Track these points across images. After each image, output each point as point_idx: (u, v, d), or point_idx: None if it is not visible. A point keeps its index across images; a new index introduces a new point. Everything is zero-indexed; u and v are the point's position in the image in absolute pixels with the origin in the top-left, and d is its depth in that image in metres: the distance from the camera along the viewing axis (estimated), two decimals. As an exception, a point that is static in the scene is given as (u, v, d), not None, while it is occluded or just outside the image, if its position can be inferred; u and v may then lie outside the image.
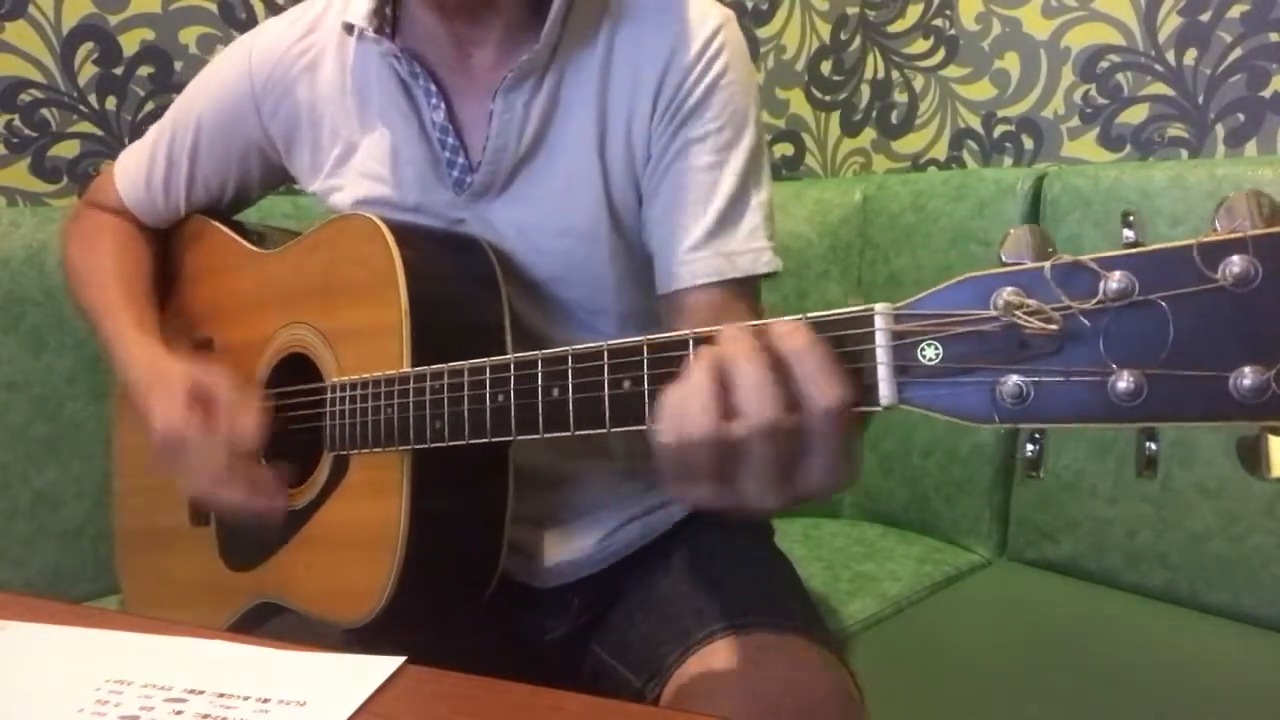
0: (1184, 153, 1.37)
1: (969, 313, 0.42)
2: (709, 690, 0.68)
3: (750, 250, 0.78)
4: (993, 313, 0.42)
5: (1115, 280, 0.39)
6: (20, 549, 1.19)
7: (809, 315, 0.47)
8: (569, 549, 0.85)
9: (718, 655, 0.70)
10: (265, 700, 0.50)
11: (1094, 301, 0.39)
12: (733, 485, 0.48)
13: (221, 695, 0.51)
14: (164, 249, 1.00)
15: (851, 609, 1.18)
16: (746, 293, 0.79)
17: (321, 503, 0.77)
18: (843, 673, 0.73)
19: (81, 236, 0.98)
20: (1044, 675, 1.00)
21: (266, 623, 0.82)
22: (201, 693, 0.51)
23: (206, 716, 0.49)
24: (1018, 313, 0.41)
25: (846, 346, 0.46)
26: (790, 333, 0.46)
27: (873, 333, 0.45)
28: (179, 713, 0.49)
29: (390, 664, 0.53)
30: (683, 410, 0.47)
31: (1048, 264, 0.40)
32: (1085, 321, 0.40)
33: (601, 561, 0.86)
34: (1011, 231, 0.42)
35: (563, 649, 0.86)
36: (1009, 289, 0.41)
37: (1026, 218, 1.30)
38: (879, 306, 0.45)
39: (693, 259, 0.77)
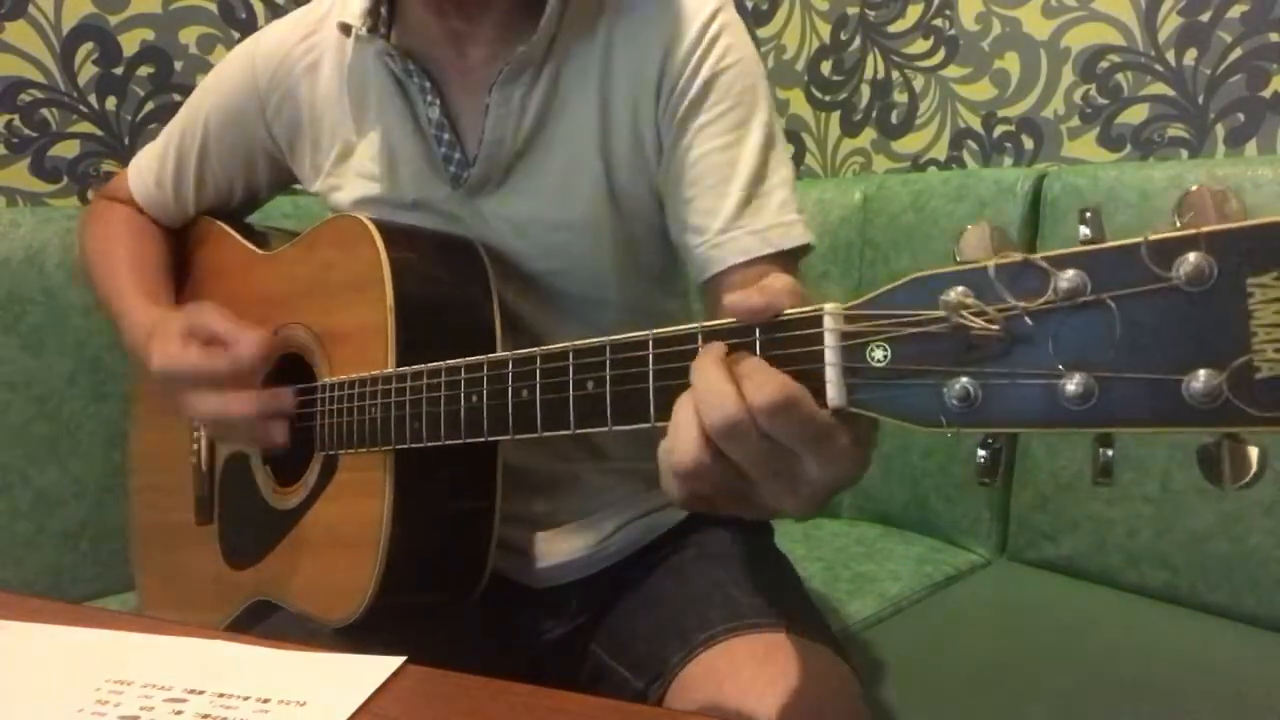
0: (1184, 153, 1.37)
1: (916, 313, 0.41)
2: (713, 691, 0.68)
3: (781, 224, 0.77)
4: (940, 313, 0.40)
5: (1066, 279, 0.37)
6: (20, 549, 1.19)
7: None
8: (567, 550, 0.85)
9: (721, 656, 0.70)
10: (265, 700, 0.50)
11: (1041, 301, 0.38)
12: (741, 498, 0.48)
13: (221, 695, 0.51)
14: (173, 250, 1.00)
15: (851, 609, 1.18)
16: (784, 268, 0.77)
17: (312, 502, 0.78)
18: (847, 671, 0.73)
19: (97, 224, 1.00)
20: (1044, 675, 1.00)
21: (264, 620, 0.82)
22: (201, 693, 0.51)
23: (206, 716, 0.49)
24: (962, 314, 0.39)
25: (797, 348, 0.45)
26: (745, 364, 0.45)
27: (822, 333, 0.44)
28: (179, 713, 0.49)
29: (390, 664, 0.53)
30: (670, 456, 0.47)
31: (992, 262, 0.39)
32: (1031, 322, 0.38)
33: (600, 562, 0.86)
34: (968, 229, 0.40)
35: (561, 650, 0.85)
36: (957, 289, 0.40)
37: (1026, 218, 1.30)
38: (828, 307, 0.45)
39: (724, 240, 0.76)
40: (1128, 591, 1.20)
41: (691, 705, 0.68)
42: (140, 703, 0.50)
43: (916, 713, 0.95)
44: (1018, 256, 0.39)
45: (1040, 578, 1.28)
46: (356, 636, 0.73)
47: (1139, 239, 0.36)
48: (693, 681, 0.70)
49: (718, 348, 0.47)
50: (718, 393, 0.44)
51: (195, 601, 0.93)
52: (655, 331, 0.51)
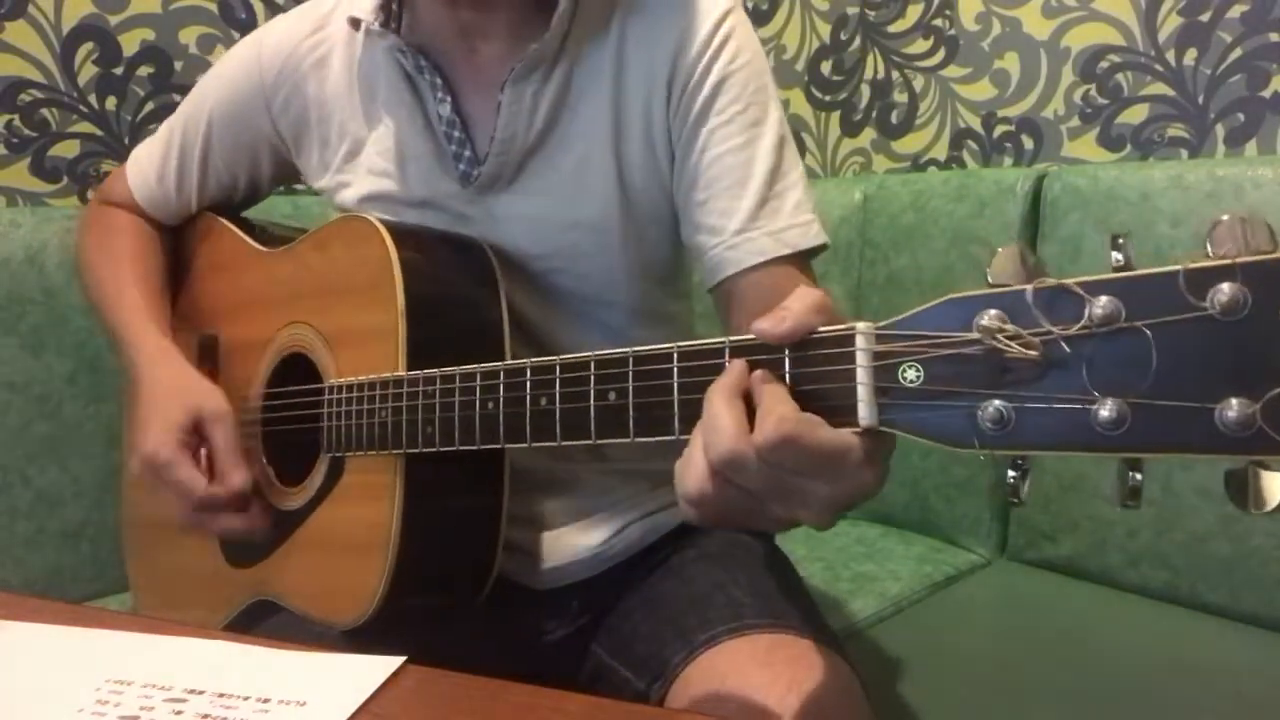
0: (1184, 153, 1.37)
1: (950, 335, 0.41)
2: (715, 691, 0.68)
3: (797, 225, 0.77)
4: (974, 335, 0.41)
5: (1100, 306, 0.37)
6: (20, 549, 1.19)
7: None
8: (569, 550, 0.85)
9: (723, 657, 0.70)
10: (265, 700, 0.50)
11: (1078, 327, 0.38)
12: (756, 517, 0.48)
13: (221, 695, 0.51)
14: (174, 246, 1.00)
15: (851, 609, 1.18)
16: (800, 268, 0.77)
17: (318, 504, 0.78)
18: (848, 671, 0.72)
19: (96, 233, 0.99)
20: (1044, 675, 1.00)
21: (265, 620, 0.82)
22: (201, 693, 0.51)
23: (206, 716, 0.49)
24: (999, 337, 0.40)
25: (827, 365, 0.46)
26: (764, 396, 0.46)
27: (853, 352, 0.45)
28: (179, 713, 0.49)
29: (390, 664, 0.53)
30: (679, 481, 0.48)
31: (1030, 287, 0.39)
32: (1067, 348, 0.38)
33: (602, 563, 0.86)
34: (1000, 251, 0.41)
35: (562, 650, 0.85)
36: (991, 311, 0.40)
37: (1026, 218, 1.30)
38: (860, 326, 0.45)
39: (740, 241, 0.76)
40: (1128, 591, 1.20)
41: (693, 705, 0.68)
42: (140, 703, 0.50)
43: (917, 713, 0.95)
44: (1053, 281, 0.39)
45: (1040, 578, 1.28)
46: (358, 637, 0.73)
47: (1176, 267, 0.36)
48: (694, 682, 0.70)
49: (733, 375, 0.47)
50: (720, 428, 0.45)
51: (192, 600, 0.93)
52: (680, 344, 0.51)
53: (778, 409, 0.44)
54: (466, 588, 0.76)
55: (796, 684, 0.67)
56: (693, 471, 0.47)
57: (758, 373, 0.47)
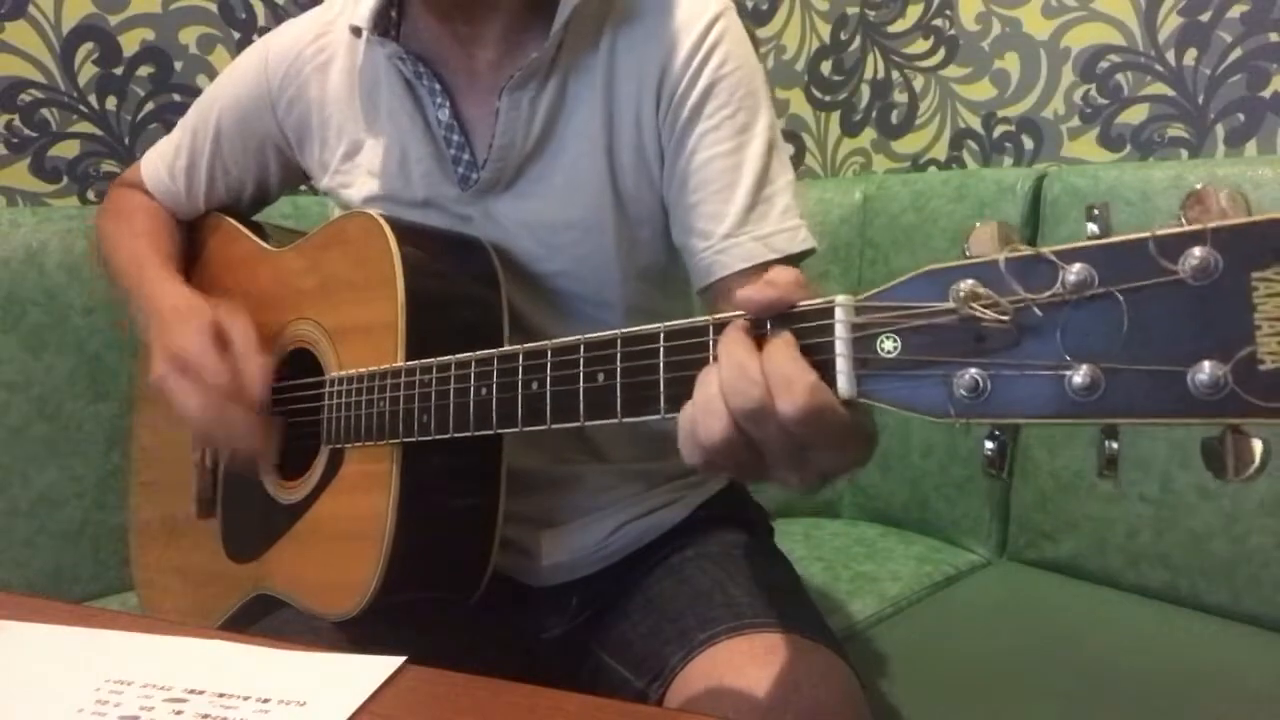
0: (1184, 153, 1.37)
1: (926, 305, 0.42)
2: (714, 691, 0.68)
3: (785, 230, 0.77)
4: (949, 305, 0.41)
5: (1074, 273, 0.38)
6: (20, 549, 1.19)
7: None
8: (567, 549, 0.85)
9: (722, 656, 0.70)
10: (265, 700, 0.50)
11: (1050, 294, 0.38)
12: (753, 472, 0.49)
13: (221, 695, 0.51)
14: (184, 241, 1.01)
15: (851, 609, 1.18)
16: None
17: (317, 496, 0.78)
18: (849, 672, 0.73)
19: (114, 208, 1.01)
20: (1044, 675, 1.00)
21: (266, 615, 0.82)
22: (201, 693, 0.51)
23: (206, 716, 0.49)
24: (973, 305, 0.40)
25: (808, 339, 0.46)
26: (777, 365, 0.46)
27: (833, 324, 0.45)
28: (179, 713, 0.49)
29: (390, 664, 0.53)
30: (693, 424, 0.48)
31: (1003, 256, 0.40)
32: (1040, 314, 0.39)
33: (600, 562, 0.86)
34: (977, 225, 0.41)
35: (560, 649, 0.86)
36: (967, 281, 0.40)
37: (1026, 218, 1.30)
38: (840, 298, 0.45)
39: (728, 246, 0.76)
40: (1128, 591, 1.20)
41: (692, 705, 0.68)
42: (140, 703, 0.50)
43: (916, 713, 0.95)
44: (1028, 250, 0.39)
45: (1040, 578, 1.28)
46: (357, 634, 0.73)
47: (1146, 233, 0.36)
48: (693, 681, 0.70)
49: (743, 328, 0.48)
50: (749, 378, 0.45)
51: (194, 594, 0.93)
52: (667, 324, 0.51)
53: (802, 376, 0.44)
54: (462, 582, 0.76)
55: (796, 684, 0.67)
56: (713, 419, 0.47)
57: (781, 334, 0.47)
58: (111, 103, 1.36)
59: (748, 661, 0.69)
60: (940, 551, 1.36)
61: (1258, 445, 0.36)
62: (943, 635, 1.13)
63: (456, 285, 0.77)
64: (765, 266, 0.76)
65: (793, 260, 0.78)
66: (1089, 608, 1.18)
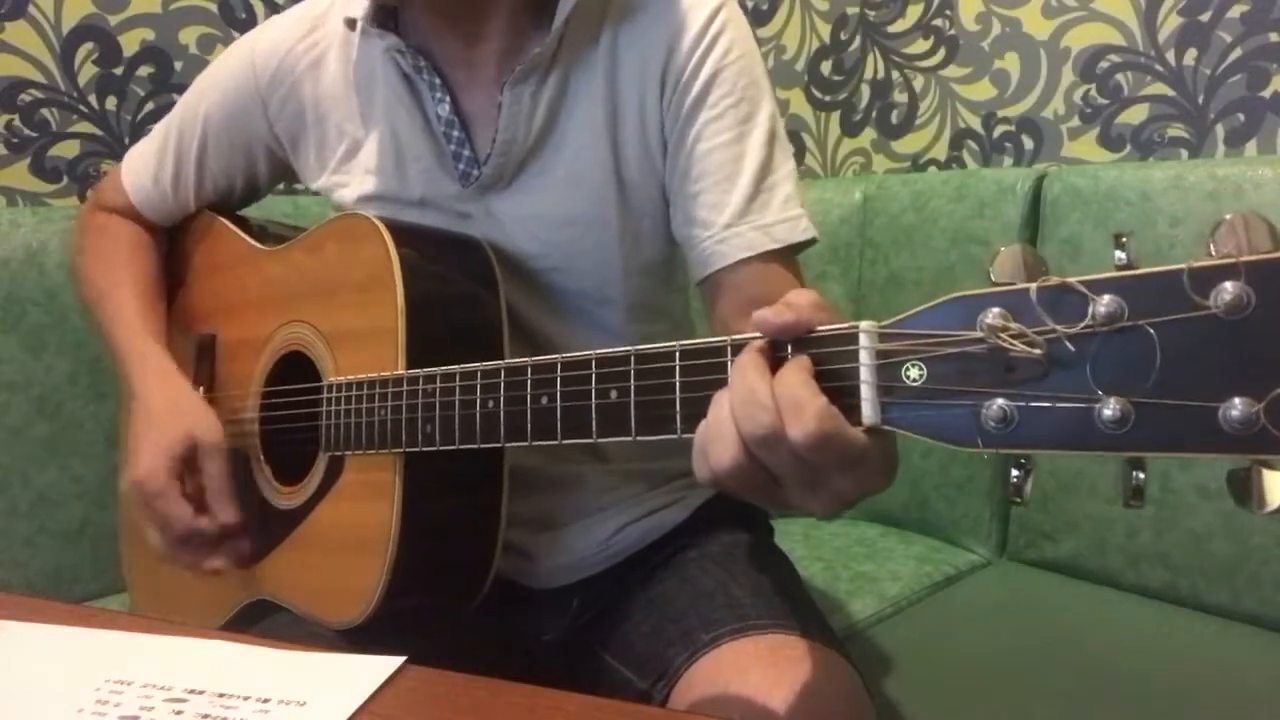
0: (1184, 153, 1.37)
1: (954, 333, 0.41)
2: (718, 692, 0.68)
3: (786, 220, 0.77)
4: (978, 334, 0.40)
5: (1104, 304, 0.37)
6: (20, 549, 1.19)
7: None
8: (568, 551, 0.85)
9: (726, 657, 0.70)
10: (265, 700, 0.50)
11: (1081, 325, 0.38)
12: (770, 496, 0.49)
13: (221, 695, 0.51)
14: (171, 245, 1.00)
15: (851, 609, 1.18)
16: (788, 263, 0.78)
17: (316, 503, 0.78)
18: (853, 673, 0.73)
19: (91, 239, 0.98)
20: (1044, 675, 1.00)
21: (262, 620, 0.82)
22: (201, 693, 0.51)
23: (206, 716, 0.49)
24: (1002, 335, 0.40)
25: (831, 364, 0.46)
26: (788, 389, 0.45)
27: (857, 350, 0.45)
28: (179, 713, 0.49)
29: (390, 664, 0.53)
30: (704, 447, 0.48)
31: (1034, 285, 0.39)
32: (1071, 346, 0.38)
33: (601, 563, 0.86)
34: (1002, 250, 0.41)
35: (562, 650, 0.85)
36: (995, 310, 0.40)
37: (1026, 218, 1.30)
38: (864, 325, 0.45)
39: (730, 235, 0.76)
40: (1128, 591, 1.20)
41: (696, 706, 0.68)
42: (140, 703, 0.50)
43: (917, 712, 0.94)
44: (1056, 280, 0.39)
45: (1040, 578, 1.28)
46: (357, 637, 0.72)
47: (1180, 266, 0.36)
48: (697, 682, 0.70)
49: (759, 350, 0.47)
50: (760, 404, 0.45)
51: (189, 600, 0.93)
52: (682, 343, 0.51)
53: (812, 401, 0.44)
54: (465, 588, 0.76)
55: (800, 684, 0.67)
56: (723, 442, 0.47)
57: (797, 358, 0.47)
58: (111, 103, 1.36)
59: (752, 663, 0.69)
60: (940, 551, 1.36)
61: None
62: (943, 635, 1.13)
63: (455, 288, 0.76)
64: (766, 256, 0.76)
65: (793, 250, 0.78)
66: (1089, 608, 1.18)
